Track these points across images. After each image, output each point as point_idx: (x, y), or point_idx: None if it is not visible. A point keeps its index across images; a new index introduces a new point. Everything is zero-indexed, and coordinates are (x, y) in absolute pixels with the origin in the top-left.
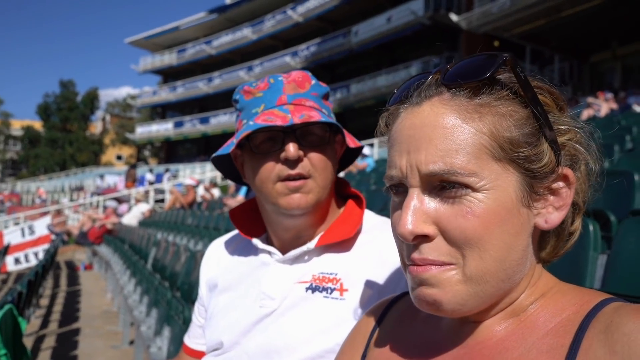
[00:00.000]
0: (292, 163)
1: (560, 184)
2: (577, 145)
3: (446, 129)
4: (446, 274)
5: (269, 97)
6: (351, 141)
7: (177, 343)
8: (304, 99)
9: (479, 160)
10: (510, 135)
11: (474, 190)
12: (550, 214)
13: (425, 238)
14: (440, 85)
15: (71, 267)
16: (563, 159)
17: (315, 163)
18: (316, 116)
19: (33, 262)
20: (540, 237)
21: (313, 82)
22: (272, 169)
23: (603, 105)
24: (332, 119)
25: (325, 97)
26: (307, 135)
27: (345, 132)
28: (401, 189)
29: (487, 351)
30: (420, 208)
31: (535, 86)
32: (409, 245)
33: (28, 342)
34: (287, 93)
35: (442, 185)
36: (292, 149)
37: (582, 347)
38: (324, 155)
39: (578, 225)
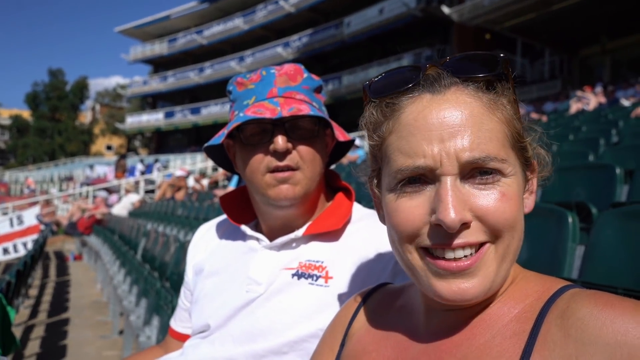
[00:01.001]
0: (281, 155)
1: (531, 173)
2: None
3: (477, 117)
4: (486, 255)
5: (260, 89)
6: (341, 134)
7: (165, 332)
8: (294, 92)
9: (505, 148)
10: (517, 126)
11: (504, 175)
12: (527, 199)
13: (464, 225)
14: (451, 76)
15: (60, 257)
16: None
17: (304, 155)
18: (305, 109)
19: (22, 252)
20: None
21: (305, 75)
22: (261, 160)
23: (592, 99)
24: (323, 113)
25: (318, 90)
26: (296, 128)
27: (335, 125)
28: (423, 179)
29: (456, 337)
30: (459, 196)
31: None
32: (441, 234)
33: (17, 332)
34: (278, 86)
35: (473, 173)
36: (280, 141)
37: (541, 331)
38: (312, 148)
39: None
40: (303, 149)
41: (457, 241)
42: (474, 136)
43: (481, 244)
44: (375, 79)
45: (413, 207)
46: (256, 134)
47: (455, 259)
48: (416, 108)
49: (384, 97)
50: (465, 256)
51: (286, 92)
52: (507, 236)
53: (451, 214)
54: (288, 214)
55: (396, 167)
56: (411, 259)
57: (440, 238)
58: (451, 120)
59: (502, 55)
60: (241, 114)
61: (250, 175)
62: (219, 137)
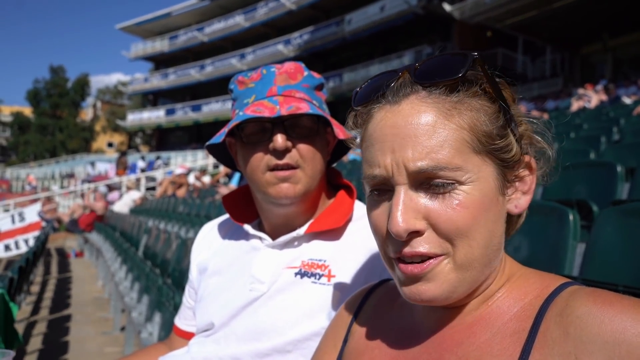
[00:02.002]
0: (281, 153)
1: (525, 171)
2: (534, 135)
3: (429, 126)
4: (440, 266)
5: (260, 88)
6: (341, 132)
7: (167, 329)
8: (294, 90)
9: (462, 155)
10: (486, 129)
11: (460, 183)
12: (519, 199)
13: (416, 233)
14: (415, 83)
15: (62, 254)
16: (524, 148)
17: (304, 154)
18: (304, 108)
19: (23, 248)
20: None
21: (305, 73)
22: (261, 159)
23: (593, 97)
24: (323, 111)
25: (319, 88)
26: (295, 126)
27: (335, 123)
28: (384, 187)
29: (457, 335)
30: (410, 205)
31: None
32: (397, 241)
33: (19, 328)
34: (277, 84)
35: (428, 181)
36: (279, 139)
37: (540, 329)
38: (312, 146)
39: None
40: (303, 147)
41: (407, 249)
42: (422, 146)
43: (436, 256)
44: (362, 86)
45: (378, 215)
46: (256, 133)
47: (412, 263)
48: (377, 118)
49: (358, 107)
50: (419, 263)
51: (286, 91)
52: (462, 245)
53: (398, 223)
54: (289, 212)
55: (363, 176)
56: (386, 263)
57: (397, 246)
58: (402, 131)
59: (474, 54)
60: (241, 113)
61: (250, 174)
62: (219, 136)
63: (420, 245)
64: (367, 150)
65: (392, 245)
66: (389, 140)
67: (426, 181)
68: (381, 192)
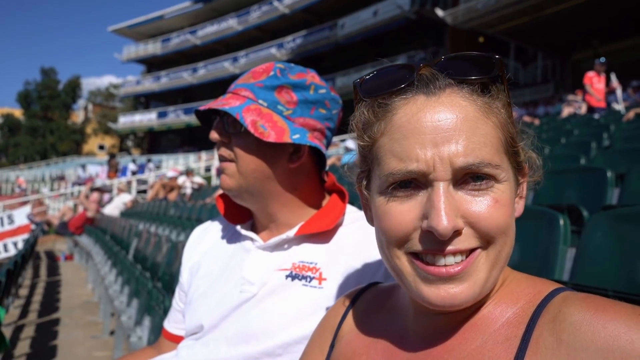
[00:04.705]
0: (218, 145)
1: (522, 177)
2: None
3: (473, 122)
4: (476, 261)
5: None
6: (273, 135)
7: (157, 332)
8: (243, 88)
9: (499, 153)
10: (511, 131)
11: (497, 181)
12: (517, 204)
13: (455, 232)
14: (446, 77)
15: (51, 257)
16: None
17: (236, 149)
18: (231, 104)
19: (12, 251)
20: None
21: (271, 73)
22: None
23: (584, 104)
24: (274, 111)
25: (283, 88)
26: (231, 123)
27: (270, 124)
28: (412, 183)
29: (448, 342)
30: (452, 202)
31: None
32: (432, 240)
33: (6, 332)
34: (236, 83)
35: (467, 178)
36: (211, 132)
37: (533, 336)
38: (245, 143)
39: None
40: (235, 142)
41: (449, 248)
42: (469, 141)
43: (472, 250)
44: (367, 77)
45: (404, 212)
46: (214, 126)
47: (445, 265)
48: (410, 110)
49: (375, 97)
50: (456, 262)
51: (236, 89)
52: (499, 242)
53: (443, 222)
54: (250, 206)
55: (388, 170)
56: (399, 263)
57: (431, 244)
58: (446, 124)
59: (497, 56)
60: None
61: None
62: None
63: (462, 243)
64: (396, 143)
65: (424, 243)
66: (429, 133)
67: (463, 178)
68: (411, 187)
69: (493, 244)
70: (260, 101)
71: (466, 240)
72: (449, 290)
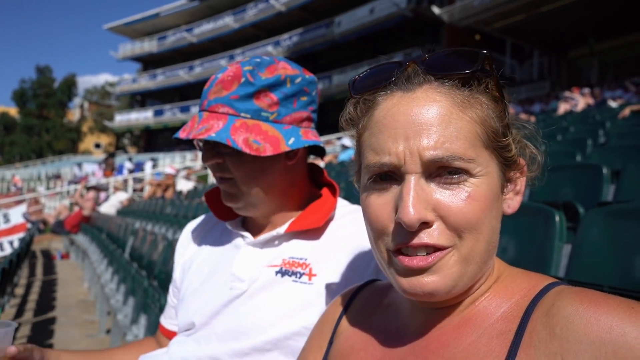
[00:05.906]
0: (213, 168)
1: (517, 173)
2: (524, 140)
3: (445, 116)
4: (445, 258)
5: (202, 97)
6: (270, 149)
7: (153, 331)
8: (219, 105)
9: (475, 147)
10: (494, 126)
11: (472, 175)
12: (512, 200)
13: (425, 224)
14: (427, 74)
15: (47, 256)
16: (518, 150)
17: (232, 168)
18: (215, 128)
19: (8, 250)
20: None
21: (243, 80)
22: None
23: (580, 101)
24: (265, 117)
25: (260, 93)
26: (219, 144)
27: (254, 139)
28: (390, 176)
29: (443, 337)
30: (421, 194)
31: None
32: (403, 232)
33: None
34: (209, 98)
35: (440, 172)
36: (203, 158)
37: (526, 330)
38: (240, 160)
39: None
40: (229, 162)
41: (415, 240)
42: (439, 135)
43: (443, 248)
44: (360, 76)
45: (381, 205)
46: (204, 152)
47: (417, 256)
48: (386, 105)
49: (362, 94)
50: (427, 254)
51: (211, 106)
52: (469, 238)
53: (410, 212)
54: (256, 215)
55: (366, 163)
56: (381, 257)
57: (403, 237)
58: (417, 119)
59: (484, 52)
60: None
61: None
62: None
63: (429, 237)
64: (374, 137)
65: (396, 236)
66: (401, 127)
67: (437, 172)
68: (387, 180)
69: (463, 239)
70: (243, 114)
71: (436, 235)
72: (420, 279)
